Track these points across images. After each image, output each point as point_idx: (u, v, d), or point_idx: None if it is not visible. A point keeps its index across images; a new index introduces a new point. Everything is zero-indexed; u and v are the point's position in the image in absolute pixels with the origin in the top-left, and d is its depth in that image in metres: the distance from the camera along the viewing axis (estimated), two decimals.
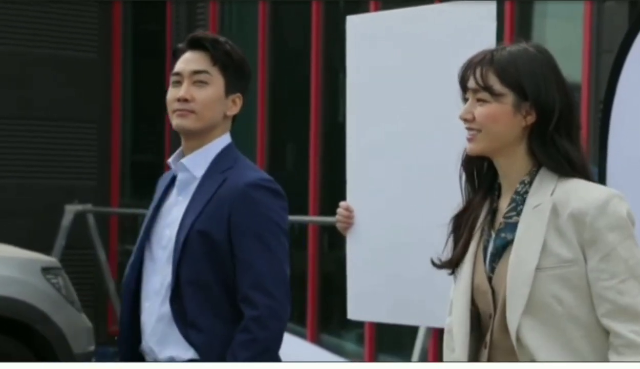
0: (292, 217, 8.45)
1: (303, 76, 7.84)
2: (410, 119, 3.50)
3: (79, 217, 8.35)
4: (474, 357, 2.33)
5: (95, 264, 8.60)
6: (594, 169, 3.34)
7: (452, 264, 2.36)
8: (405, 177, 3.50)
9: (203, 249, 2.76)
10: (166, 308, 2.78)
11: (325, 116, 7.79)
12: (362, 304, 3.68)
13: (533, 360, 2.22)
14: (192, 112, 2.82)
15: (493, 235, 2.31)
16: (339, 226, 3.74)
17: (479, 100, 2.29)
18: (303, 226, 7.69)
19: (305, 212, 7.58)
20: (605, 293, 2.22)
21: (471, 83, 2.29)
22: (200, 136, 2.85)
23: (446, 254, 2.38)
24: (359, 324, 6.91)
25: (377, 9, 7.19)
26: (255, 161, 7.53)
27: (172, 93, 2.87)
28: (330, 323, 7.77)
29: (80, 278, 8.21)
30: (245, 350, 2.70)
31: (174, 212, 2.85)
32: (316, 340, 7.44)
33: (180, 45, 2.91)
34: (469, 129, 2.30)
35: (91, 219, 8.37)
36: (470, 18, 3.34)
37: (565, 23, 6.67)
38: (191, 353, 2.77)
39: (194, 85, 2.83)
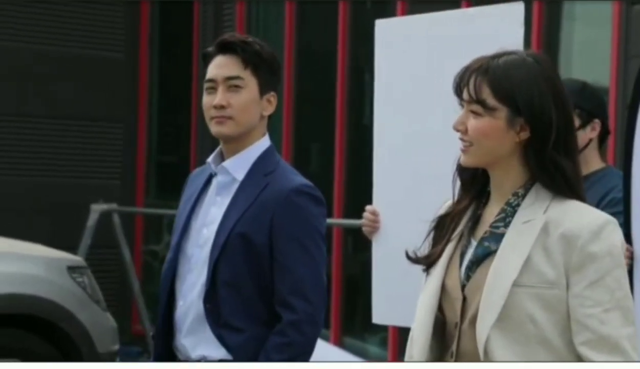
0: None
1: (329, 77, 7.84)
2: (437, 124, 3.49)
3: (105, 217, 8.38)
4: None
5: (120, 264, 8.62)
6: (619, 172, 3.32)
7: (429, 262, 2.28)
8: (432, 182, 3.49)
9: (242, 251, 2.79)
10: (200, 307, 2.81)
11: (351, 118, 7.78)
12: (387, 308, 3.68)
13: None
14: (230, 118, 2.85)
15: (472, 242, 2.25)
16: (365, 230, 3.74)
17: (472, 112, 2.22)
18: (327, 229, 7.68)
19: (329, 214, 7.58)
20: (586, 321, 2.14)
21: (465, 94, 2.23)
22: (239, 139, 2.88)
23: (422, 251, 2.31)
24: (383, 328, 6.91)
25: (404, 9, 7.19)
26: None
27: (207, 100, 2.88)
28: (354, 326, 7.77)
29: (105, 277, 8.24)
30: (279, 353, 2.74)
31: (211, 212, 2.87)
32: (340, 343, 7.44)
33: (210, 49, 2.91)
34: (461, 140, 2.24)
35: (116, 219, 8.40)
36: (498, 23, 3.33)
37: (594, 27, 6.63)
38: (222, 352, 2.79)
39: (229, 91, 2.85)
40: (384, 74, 3.70)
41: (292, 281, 2.77)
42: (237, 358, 2.77)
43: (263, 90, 2.88)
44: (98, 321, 6.25)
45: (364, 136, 7.84)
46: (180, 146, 9.18)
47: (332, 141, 7.80)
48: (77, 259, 6.58)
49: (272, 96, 2.90)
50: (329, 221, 7.56)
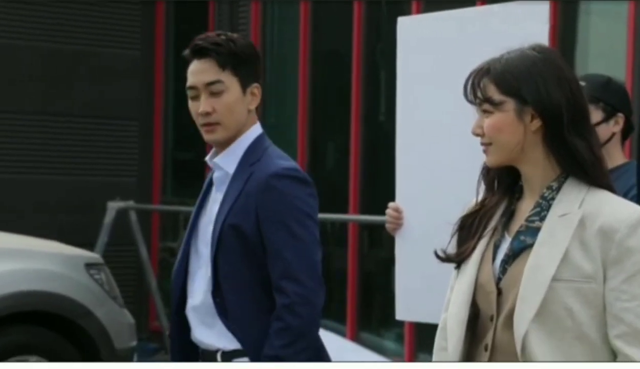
0: (332, 216, 8.37)
1: (344, 75, 7.85)
2: (461, 122, 3.47)
3: (121, 214, 8.42)
4: (467, 358, 2.26)
5: (137, 261, 8.66)
6: (634, 163, 3.32)
7: (461, 259, 2.30)
8: (455, 179, 3.50)
9: (236, 243, 2.81)
10: (210, 302, 2.84)
11: (366, 115, 7.80)
12: (411, 304, 3.69)
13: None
14: (218, 123, 2.86)
15: (506, 237, 2.27)
16: (388, 227, 3.74)
17: (484, 111, 2.27)
18: (343, 225, 7.70)
19: (345, 210, 7.58)
20: (622, 315, 2.16)
21: (475, 98, 2.28)
22: (231, 139, 2.90)
23: (450, 250, 2.33)
24: (399, 323, 6.91)
25: (418, 8, 7.19)
26: (295, 159, 7.53)
27: (193, 107, 2.90)
28: (370, 321, 7.78)
29: (122, 274, 8.28)
30: (279, 338, 2.75)
31: (214, 209, 2.90)
32: (356, 338, 7.45)
33: (186, 52, 2.91)
34: (482, 143, 2.28)
35: (133, 216, 8.43)
36: (523, 21, 3.32)
37: (610, 24, 6.62)
38: (236, 344, 2.82)
39: (212, 97, 2.86)
40: (406, 72, 3.70)
41: (282, 265, 2.77)
42: (248, 348, 2.81)
43: (245, 85, 2.86)
44: (115, 317, 6.29)
45: (379, 132, 7.84)
46: (196, 143, 9.15)
47: (348, 138, 7.81)
48: (94, 256, 6.61)
49: (255, 88, 2.88)
50: (346, 217, 7.57)
